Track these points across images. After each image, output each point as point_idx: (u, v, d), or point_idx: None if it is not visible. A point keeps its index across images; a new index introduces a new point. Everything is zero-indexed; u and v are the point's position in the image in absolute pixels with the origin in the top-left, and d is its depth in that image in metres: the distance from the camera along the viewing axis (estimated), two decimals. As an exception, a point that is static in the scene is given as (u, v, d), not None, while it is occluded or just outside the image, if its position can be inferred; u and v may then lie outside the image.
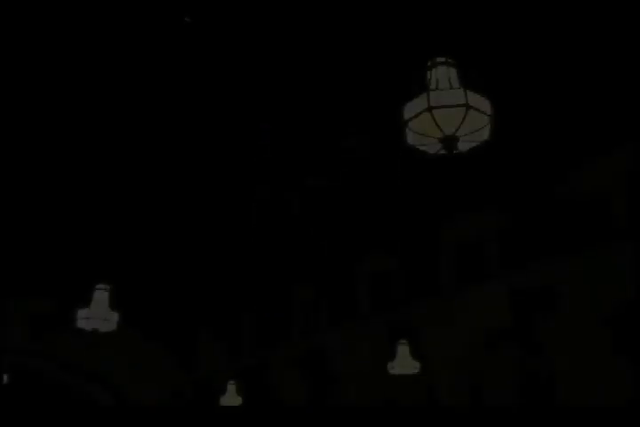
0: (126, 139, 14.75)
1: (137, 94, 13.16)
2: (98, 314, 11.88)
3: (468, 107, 6.11)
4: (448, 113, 6.13)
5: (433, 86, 6.42)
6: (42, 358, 28.88)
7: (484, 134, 6.39)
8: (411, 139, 6.48)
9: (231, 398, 21.14)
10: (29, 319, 20.61)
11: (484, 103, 6.30)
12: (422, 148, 6.56)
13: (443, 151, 6.39)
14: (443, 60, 6.61)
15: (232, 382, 21.42)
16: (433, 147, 6.46)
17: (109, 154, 15.30)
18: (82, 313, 11.96)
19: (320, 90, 13.42)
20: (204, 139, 15.02)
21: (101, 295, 12.03)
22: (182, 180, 16.85)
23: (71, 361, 29.84)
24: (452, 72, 6.50)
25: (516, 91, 12.67)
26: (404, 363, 16.15)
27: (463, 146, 6.40)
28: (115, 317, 12.04)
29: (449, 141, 6.27)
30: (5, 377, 17.36)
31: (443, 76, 6.46)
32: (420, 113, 6.21)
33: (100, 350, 28.40)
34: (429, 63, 6.64)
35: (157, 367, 29.17)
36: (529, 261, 16.90)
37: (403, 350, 16.31)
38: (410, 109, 6.35)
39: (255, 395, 23.77)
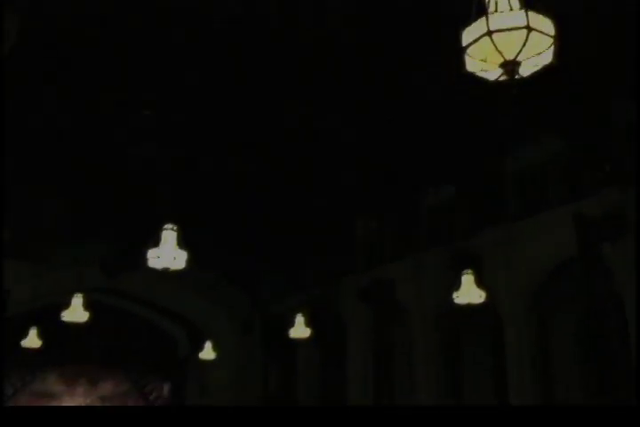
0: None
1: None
2: (167, 253, 12.26)
3: (529, 29, 5.83)
4: (508, 36, 5.87)
5: (492, 9, 6.15)
6: (117, 296, 30.21)
7: (548, 57, 6.12)
8: (470, 65, 6.27)
9: (300, 330, 21.72)
10: (104, 261, 21.41)
11: (546, 24, 5.99)
12: (482, 74, 6.35)
13: (504, 77, 6.17)
14: (502, -20, 6.30)
15: (300, 314, 21.96)
16: (493, 73, 6.24)
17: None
18: (152, 253, 12.36)
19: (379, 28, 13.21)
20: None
21: (169, 235, 12.38)
22: (246, 111, 16.99)
23: (145, 299, 31.13)
24: (513, -7, 6.20)
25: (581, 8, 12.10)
26: (468, 292, 16.24)
27: (525, 71, 6.17)
28: (183, 255, 12.41)
29: (510, 66, 6.03)
30: (87, 315, 18.29)
31: (502, -3, 6.17)
32: (479, 38, 5.98)
33: (170, 288, 29.48)
34: (488, -15, 6.34)
35: (227, 303, 30.15)
36: (597, 188, 16.50)
37: (467, 279, 16.38)
38: (468, 35, 6.11)
39: (323, 327, 24.35)
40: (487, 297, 16.41)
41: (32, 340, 21.37)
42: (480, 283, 16.60)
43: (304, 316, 22.15)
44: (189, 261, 12.48)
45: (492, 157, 19.37)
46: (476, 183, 20.29)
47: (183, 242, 12.43)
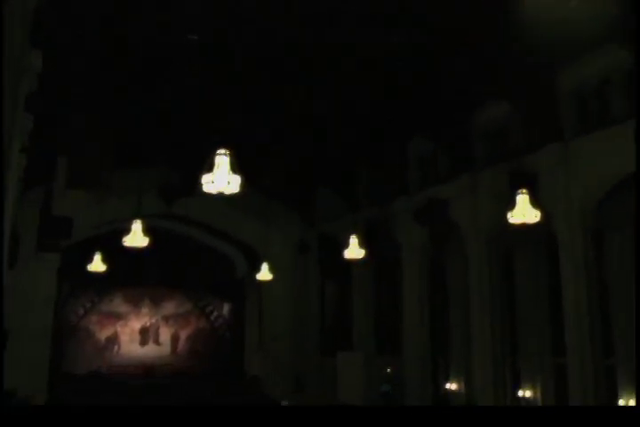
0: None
1: None
2: (221, 178, 12.38)
3: None
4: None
5: None
6: (175, 221, 30.95)
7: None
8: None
9: (354, 250, 21.96)
10: (161, 187, 21.80)
11: None
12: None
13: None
14: None
15: (354, 235, 22.14)
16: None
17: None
18: (206, 178, 12.50)
19: None
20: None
21: (222, 160, 12.46)
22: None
23: (202, 223, 31.83)
24: None
25: None
26: (523, 212, 16.04)
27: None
28: (237, 180, 12.50)
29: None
30: (147, 240, 18.80)
31: None
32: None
33: (226, 212, 30.01)
34: None
35: (282, 224, 30.59)
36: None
37: (523, 198, 16.14)
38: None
39: (377, 247, 24.59)
40: (542, 217, 16.19)
41: (97, 264, 22.16)
42: (535, 202, 16.35)
43: (358, 236, 22.31)
44: (243, 185, 12.56)
45: (548, 70, 18.61)
46: (532, 99, 19.63)
47: (237, 166, 12.49)
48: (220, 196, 12.79)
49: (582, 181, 17.92)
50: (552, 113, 18.97)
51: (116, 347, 32.82)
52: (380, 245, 25.04)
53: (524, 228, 16.76)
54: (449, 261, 26.08)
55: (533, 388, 21.53)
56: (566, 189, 18.21)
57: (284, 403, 23.42)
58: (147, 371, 31.78)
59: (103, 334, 32.70)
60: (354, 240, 22.03)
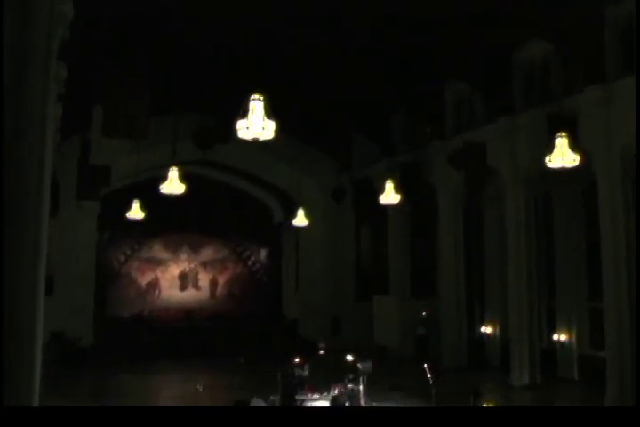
0: None
1: None
2: (255, 123, 12.34)
3: None
4: None
5: None
6: (211, 168, 31.13)
7: None
8: None
9: (390, 195, 21.92)
10: (195, 134, 21.83)
11: None
12: None
13: None
14: None
15: (389, 180, 22.07)
16: None
17: None
18: (241, 124, 12.47)
19: None
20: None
21: (257, 105, 12.39)
22: None
23: (237, 169, 31.96)
24: None
25: None
26: (562, 155, 15.74)
27: None
28: (272, 125, 12.45)
29: None
30: (183, 187, 18.99)
31: None
32: None
33: (262, 158, 30.03)
34: None
35: (317, 170, 30.57)
36: None
37: (562, 142, 15.81)
38: None
39: (413, 192, 24.49)
40: (581, 161, 15.87)
41: (135, 211, 22.50)
42: (575, 146, 16.01)
43: (394, 181, 22.23)
44: (278, 131, 12.51)
45: (589, 6, 17.88)
46: (574, 38, 18.94)
47: (271, 111, 12.41)
48: (255, 141, 12.77)
49: (624, 125, 17.40)
50: (595, 53, 18.32)
51: (156, 292, 33.65)
52: (415, 189, 24.93)
53: (563, 172, 16.49)
54: (485, 205, 25.92)
55: (569, 332, 21.60)
56: (607, 132, 17.76)
57: (322, 345, 23.92)
58: (187, 314, 32.61)
59: (144, 279, 33.52)
60: (389, 185, 21.97)
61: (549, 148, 15.91)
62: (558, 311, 22.16)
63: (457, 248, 25.02)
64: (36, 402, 9.91)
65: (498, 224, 24.59)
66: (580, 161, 15.69)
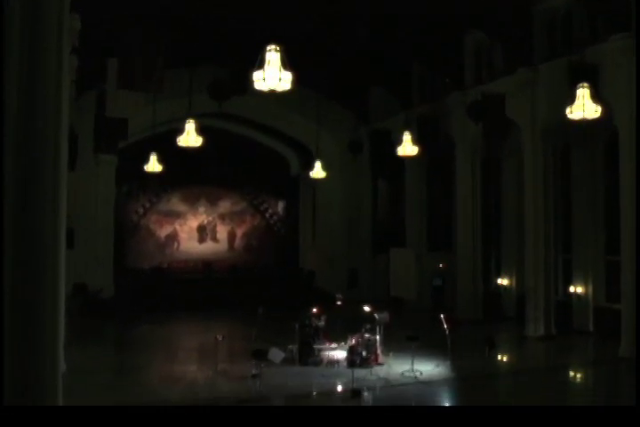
0: None
1: None
2: (272, 75, 12.21)
3: None
4: None
5: None
6: (228, 120, 30.98)
7: None
8: None
9: (407, 147, 21.77)
10: (211, 86, 21.66)
11: None
12: None
13: None
14: None
15: (407, 131, 21.88)
16: None
17: None
18: (257, 75, 12.35)
19: None
20: None
21: (273, 56, 12.24)
22: None
23: (254, 121, 31.79)
24: None
25: None
26: (583, 107, 15.49)
27: None
28: (288, 76, 12.32)
29: None
30: (200, 139, 18.98)
31: None
32: None
33: (278, 110, 29.83)
34: None
35: (334, 122, 30.33)
36: None
37: (583, 93, 15.55)
38: None
39: (430, 144, 24.29)
40: (603, 112, 15.61)
41: (153, 165, 22.54)
42: (596, 97, 15.73)
43: (411, 133, 22.05)
44: (294, 82, 12.38)
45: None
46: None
47: (287, 62, 12.26)
48: (272, 93, 12.67)
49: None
50: (619, 2, 17.79)
51: (175, 244, 34.01)
52: (433, 141, 24.74)
53: (584, 123, 16.27)
54: (503, 158, 25.72)
55: (585, 284, 21.66)
56: (630, 83, 17.38)
57: (339, 296, 24.16)
58: (205, 266, 32.99)
59: (163, 232, 33.84)
60: (407, 137, 21.80)
61: (570, 99, 15.67)
62: (575, 264, 22.18)
63: (474, 200, 24.95)
64: (60, 352, 10.19)
65: (515, 177, 24.44)
66: (602, 112, 15.45)
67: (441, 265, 27.65)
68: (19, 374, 4.44)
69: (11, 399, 4.18)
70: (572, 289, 22.03)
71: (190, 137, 18.85)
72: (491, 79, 23.28)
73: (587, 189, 21.76)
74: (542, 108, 20.73)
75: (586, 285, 21.62)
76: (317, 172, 24.36)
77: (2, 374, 4.09)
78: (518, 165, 23.66)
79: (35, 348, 4.94)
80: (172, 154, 21.86)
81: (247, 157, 33.52)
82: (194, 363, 17.76)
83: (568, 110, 15.51)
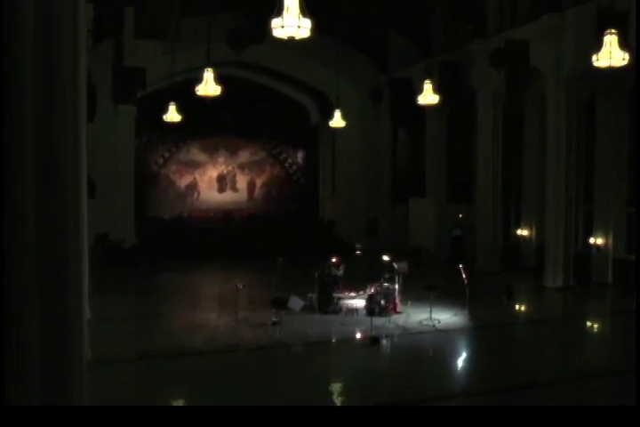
0: None
1: None
2: (291, 22, 11.98)
3: None
4: None
5: None
6: (246, 69, 30.63)
7: None
8: None
9: (428, 96, 21.44)
10: (229, 34, 21.34)
11: None
12: None
13: None
14: None
15: (428, 80, 21.52)
16: None
17: None
18: (275, 22, 12.13)
19: None
20: None
21: (292, 3, 11.99)
22: None
23: (273, 70, 31.41)
24: None
25: None
26: (610, 54, 15.09)
27: None
28: (308, 24, 12.08)
29: None
30: (219, 88, 18.81)
31: None
32: None
33: (298, 59, 29.41)
34: None
35: (354, 71, 29.88)
36: None
37: (610, 40, 15.12)
38: None
39: (451, 93, 23.91)
40: (630, 60, 15.20)
41: (172, 114, 22.45)
42: (624, 44, 15.29)
43: (432, 82, 21.68)
44: (314, 30, 12.15)
45: None
46: None
47: (307, 9, 12.01)
48: (291, 41, 12.46)
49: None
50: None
51: (195, 194, 34.18)
52: (454, 90, 24.34)
53: (610, 72, 15.89)
54: (526, 108, 25.30)
55: (605, 235, 21.56)
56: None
57: (358, 246, 24.35)
58: (225, 215, 33.22)
59: (183, 181, 33.97)
60: (427, 86, 21.44)
61: (597, 46, 15.26)
62: (596, 215, 22.04)
63: (495, 150, 24.69)
64: (85, 301, 10.43)
65: (538, 127, 24.10)
66: (629, 60, 15.06)
67: (460, 215, 27.61)
68: (44, 324, 4.56)
69: (37, 348, 4.32)
70: (591, 241, 21.96)
71: (209, 86, 18.66)
72: (514, 26, 22.67)
73: (610, 139, 21.42)
74: (567, 56, 20.25)
75: (606, 236, 21.52)
76: (337, 121, 24.14)
77: (29, 324, 4.22)
78: (541, 114, 23.28)
79: (59, 297, 5.05)
80: (190, 104, 21.71)
81: (266, 107, 33.27)
82: (215, 311, 18.09)
83: (594, 58, 15.11)
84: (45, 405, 4.37)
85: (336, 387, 11.91)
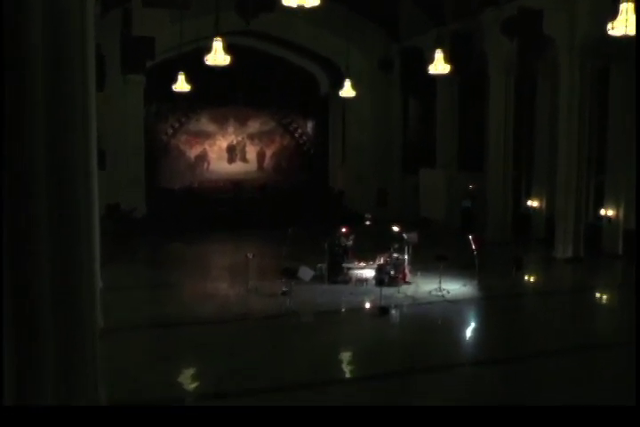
0: None
1: None
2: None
3: None
4: None
5: None
6: (256, 38, 30.33)
7: None
8: None
9: (439, 66, 21.17)
10: (239, 2, 21.09)
11: None
12: None
13: None
14: None
15: (439, 49, 21.24)
16: None
17: None
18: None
19: None
20: None
21: (302, -30, 11.83)
22: None
23: (283, 39, 31.08)
24: None
25: None
26: (626, 22, 14.81)
27: None
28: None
29: None
30: (228, 58, 18.65)
31: None
32: None
33: (307, 27, 29.09)
34: None
35: (364, 39, 29.56)
36: None
37: (627, 7, 14.81)
38: None
39: (463, 62, 23.63)
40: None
41: (181, 84, 22.31)
42: None
43: (443, 51, 21.39)
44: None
45: None
46: None
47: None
48: (301, 9, 12.33)
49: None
50: None
51: (205, 164, 34.14)
52: (465, 59, 24.05)
53: (625, 42, 15.63)
54: (538, 77, 25.00)
55: (616, 207, 21.46)
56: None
57: (368, 216, 24.34)
58: (235, 186, 33.24)
59: (192, 152, 33.89)
60: (438, 55, 21.15)
61: (612, 14, 14.98)
62: (607, 186, 21.91)
63: (507, 120, 24.48)
64: (97, 270, 10.54)
65: (550, 96, 23.84)
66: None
67: (471, 186, 27.53)
68: (57, 291, 4.62)
69: (50, 314, 4.38)
70: (602, 212, 21.87)
71: (218, 56, 18.50)
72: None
73: (623, 109, 21.17)
74: (582, 24, 19.93)
75: (617, 208, 21.42)
76: (347, 90, 23.94)
77: (42, 294, 4.27)
78: (553, 84, 23.01)
79: (72, 266, 5.10)
80: (200, 73, 21.59)
81: (276, 77, 33.01)
82: (225, 280, 18.26)
83: (609, 26, 14.85)
84: (57, 369, 4.46)
85: (345, 355, 12.05)
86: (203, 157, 34.19)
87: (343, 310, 15.13)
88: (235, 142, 34.62)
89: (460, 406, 5.89)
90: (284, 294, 15.13)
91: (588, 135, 20.99)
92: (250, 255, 16.78)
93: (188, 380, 10.59)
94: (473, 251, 17.26)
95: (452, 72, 21.86)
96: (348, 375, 11.01)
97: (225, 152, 34.51)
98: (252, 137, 34.88)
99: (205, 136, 34.08)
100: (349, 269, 17.18)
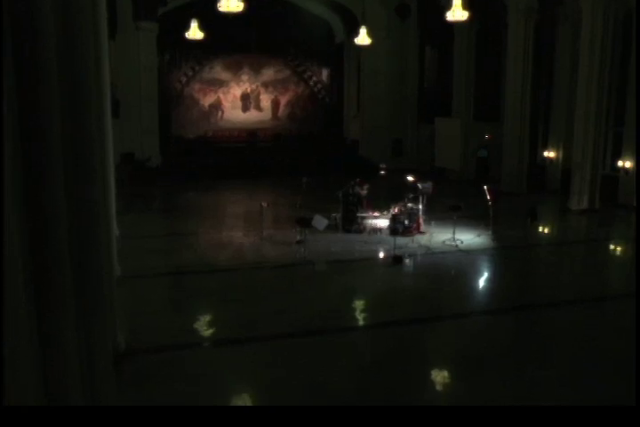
0: None
1: None
2: None
3: None
4: None
5: None
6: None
7: None
8: None
9: (457, 13, 20.65)
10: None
11: None
12: None
13: None
14: None
15: (458, -4, 20.71)
16: None
17: None
18: None
19: None
20: None
21: None
22: None
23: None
24: None
25: None
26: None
27: None
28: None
29: None
30: (242, 4, 18.31)
31: None
32: None
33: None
34: None
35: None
36: None
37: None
38: None
39: (480, 9, 23.08)
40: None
41: (194, 32, 22.04)
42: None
43: (462, -3, 20.86)
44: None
45: None
46: None
47: None
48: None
49: None
50: None
51: (219, 113, 33.95)
52: (484, 5, 23.49)
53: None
54: (558, 24, 24.39)
55: (634, 158, 21.20)
56: None
57: (382, 166, 24.24)
58: (249, 135, 33.12)
59: (206, 100, 33.66)
60: (456, 1, 20.64)
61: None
62: (626, 138, 21.60)
63: (525, 69, 24.01)
64: (113, 218, 10.65)
65: (570, 45, 23.32)
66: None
67: (487, 136, 27.26)
68: (74, 242, 4.68)
69: (68, 266, 4.45)
70: (620, 163, 21.63)
71: (231, 2, 18.18)
72: None
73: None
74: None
75: (635, 159, 21.18)
76: (363, 38, 23.56)
77: (57, 241, 4.33)
78: (574, 32, 22.47)
79: (88, 215, 5.15)
80: (213, 20, 21.27)
81: (290, 24, 32.41)
82: (240, 229, 18.38)
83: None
84: (77, 316, 4.55)
85: (359, 303, 12.20)
86: (216, 106, 33.99)
87: (357, 259, 15.25)
88: (249, 90, 34.33)
89: (460, 407, 5.97)
90: (298, 242, 15.25)
91: (609, 85, 20.59)
92: (264, 204, 16.85)
93: (203, 326, 10.80)
94: (488, 201, 17.22)
95: (470, 19, 21.39)
96: (361, 323, 11.17)
97: (239, 100, 34.26)
98: (266, 85, 34.54)
99: (219, 84, 33.78)
100: (363, 218, 17.23)
